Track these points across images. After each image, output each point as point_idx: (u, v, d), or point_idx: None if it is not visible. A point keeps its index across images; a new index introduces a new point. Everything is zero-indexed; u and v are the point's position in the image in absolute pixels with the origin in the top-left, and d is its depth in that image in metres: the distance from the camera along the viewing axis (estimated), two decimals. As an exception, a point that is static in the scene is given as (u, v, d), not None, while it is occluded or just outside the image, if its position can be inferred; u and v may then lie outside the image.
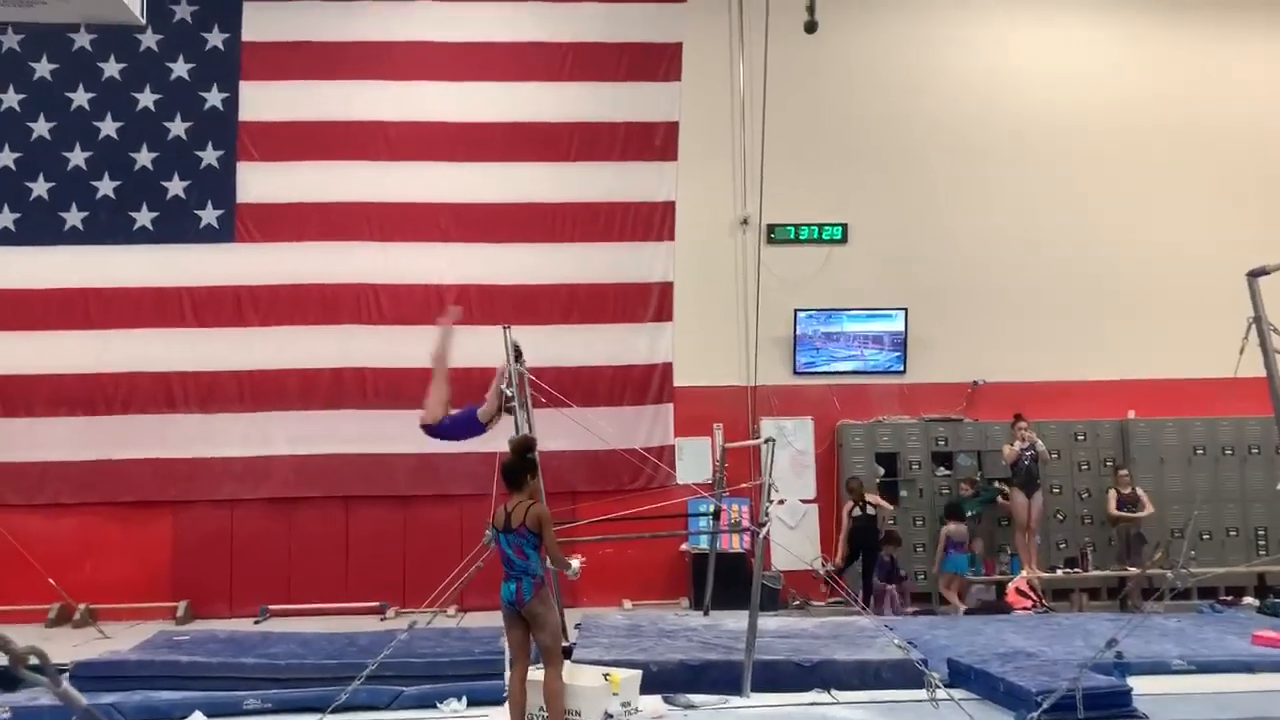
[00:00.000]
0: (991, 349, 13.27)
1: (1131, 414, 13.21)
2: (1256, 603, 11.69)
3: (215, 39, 12.85)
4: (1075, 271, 13.49)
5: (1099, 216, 13.59)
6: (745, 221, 13.29)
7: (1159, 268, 13.52)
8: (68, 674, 7.26)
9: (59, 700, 2.78)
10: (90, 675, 7.65)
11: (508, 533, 6.44)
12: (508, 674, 6.62)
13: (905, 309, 13.28)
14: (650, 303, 13.04)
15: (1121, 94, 13.74)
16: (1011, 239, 13.52)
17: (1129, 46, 13.92)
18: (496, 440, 8.50)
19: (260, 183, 12.74)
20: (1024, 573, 11.91)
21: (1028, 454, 11.99)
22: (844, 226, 13.45)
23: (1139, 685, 7.11)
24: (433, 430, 8.61)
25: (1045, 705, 6.49)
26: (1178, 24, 13.96)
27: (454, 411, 8.66)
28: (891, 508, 12.45)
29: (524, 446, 6.77)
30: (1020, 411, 12.29)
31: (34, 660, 2.61)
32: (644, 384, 12.94)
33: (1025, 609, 11.43)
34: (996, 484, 12.65)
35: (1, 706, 6.91)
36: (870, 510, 12.11)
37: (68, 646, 9.67)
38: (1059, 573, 12.39)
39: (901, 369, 13.35)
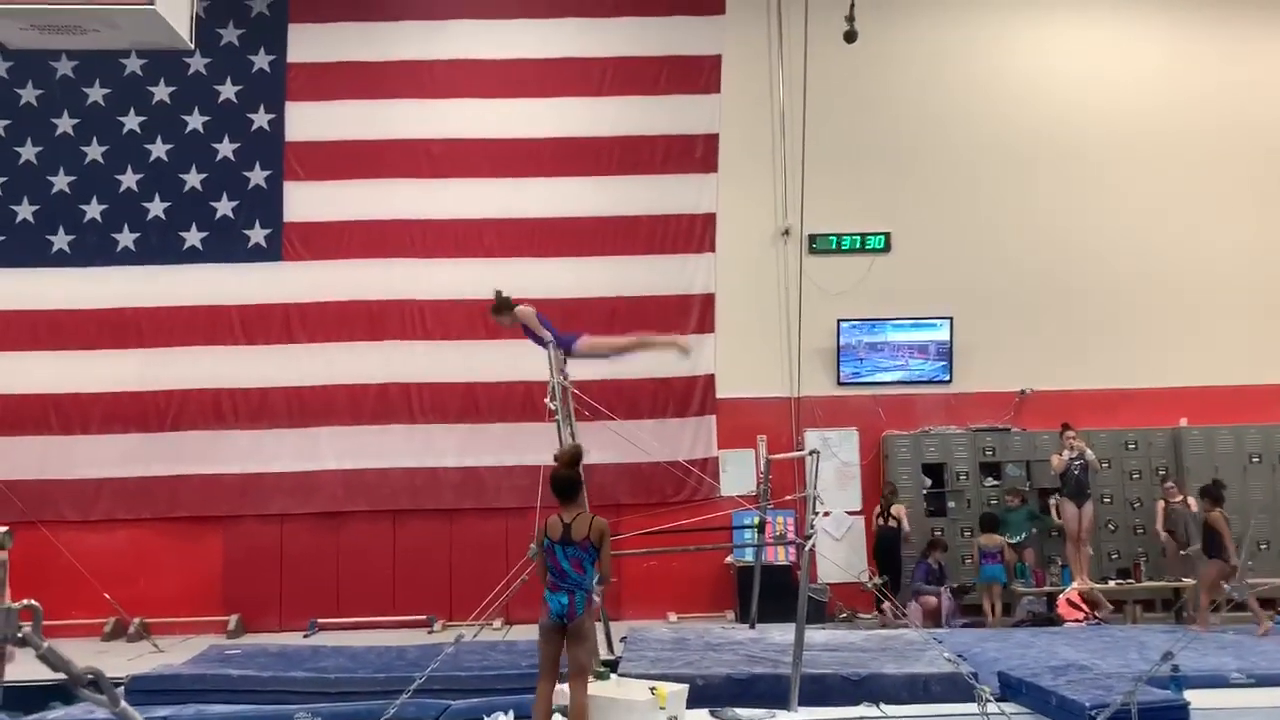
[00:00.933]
0: (1039, 357, 13.09)
1: (1184, 421, 12.95)
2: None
3: (261, 61, 13.09)
4: (1123, 277, 13.28)
5: (1146, 220, 13.37)
6: (787, 232, 13.25)
7: (1210, 272, 13.29)
8: (122, 688, 7.39)
9: (117, 718, 2.83)
10: (144, 689, 7.81)
11: (567, 545, 6.34)
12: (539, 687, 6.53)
13: (950, 318, 13.14)
14: (692, 315, 13.04)
15: (1168, 97, 13.54)
16: (1057, 244, 13.32)
17: (1174, 48, 13.70)
18: (540, 453, 8.56)
19: (307, 202, 12.95)
20: (1075, 584, 11.73)
21: (1077, 463, 11.79)
22: (887, 235, 13.36)
23: (1196, 699, 6.97)
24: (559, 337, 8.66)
25: (1099, 720, 6.39)
26: (1225, 23, 13.70)
27: (559, 333, 8.66)
28: (910, 529, 12.11)
29: (577, 458, 6.74)
30: (1068, 420, 12.07)
31: (90, 677, 2.66)
32: (686, 396, 12.94)
33: (1077, 621, 11.26)
34: (1050, 499, 12.45)
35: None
36: (893, 522, 11.95)
37: (123, 660, 9.86)
38: (1111, 583, 12.16)
39: (947, 378, 13.22)
